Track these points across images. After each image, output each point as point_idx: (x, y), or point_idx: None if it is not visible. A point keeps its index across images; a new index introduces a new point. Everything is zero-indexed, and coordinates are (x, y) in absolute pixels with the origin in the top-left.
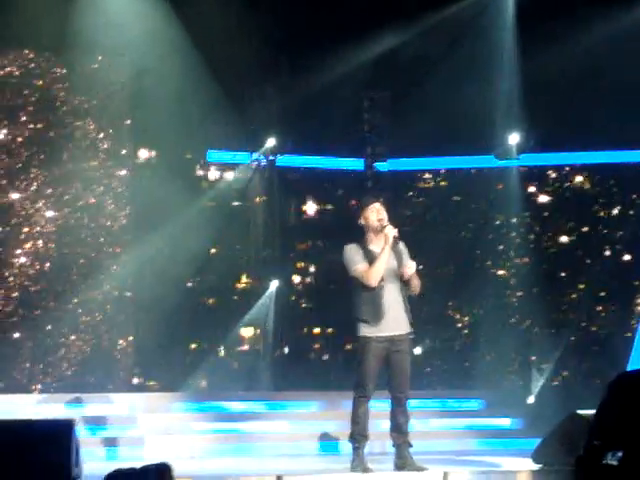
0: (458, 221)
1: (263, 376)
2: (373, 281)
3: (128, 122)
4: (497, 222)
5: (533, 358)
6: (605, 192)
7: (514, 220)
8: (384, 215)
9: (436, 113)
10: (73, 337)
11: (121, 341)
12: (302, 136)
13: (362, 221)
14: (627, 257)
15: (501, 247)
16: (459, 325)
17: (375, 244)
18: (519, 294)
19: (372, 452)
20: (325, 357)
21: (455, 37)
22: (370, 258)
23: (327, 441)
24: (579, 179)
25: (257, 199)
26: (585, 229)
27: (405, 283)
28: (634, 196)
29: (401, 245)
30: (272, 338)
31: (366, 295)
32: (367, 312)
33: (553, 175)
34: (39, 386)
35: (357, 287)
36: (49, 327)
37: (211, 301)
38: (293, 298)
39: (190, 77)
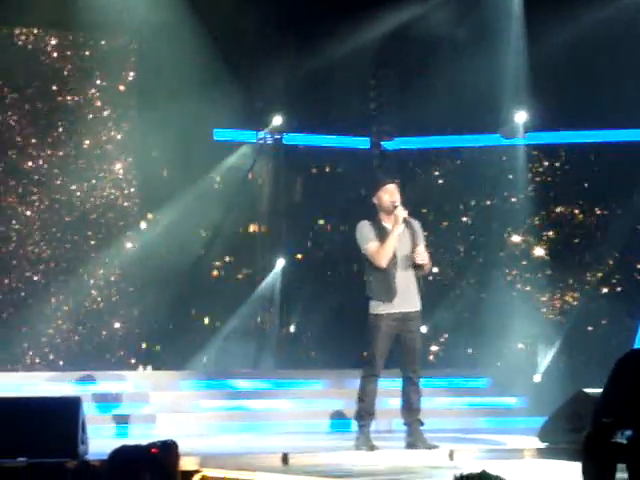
0: (463, 200)
1: (269, 354)
2: (383, 262)
3: (133, 101)
4: (504, 200)
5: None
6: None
7: (521, 198)
8: (397, 197)
9: (443, 91)
10: (82, 312)
11: (128, 316)
12: (308, 114)
13: (375, 200)
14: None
15: (507, 227)
16: (465, 303)
17: (387, 223)
18: (526, 274)
19: (378, 430)
20: (332, 335)
21: (462, 14)
22: (383, 236)
23: (333, 419)
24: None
25: (263, 177)
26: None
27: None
28: None
29: (416, 225)
30: (278, 316)
31: (378, 273)
32: (379, 290)
33: (559, 153)
34: (45, 363)
35: (369, 265)
36: (54, 300)
37: (217, 278)
38: (299, 276)
39: (196, 55)
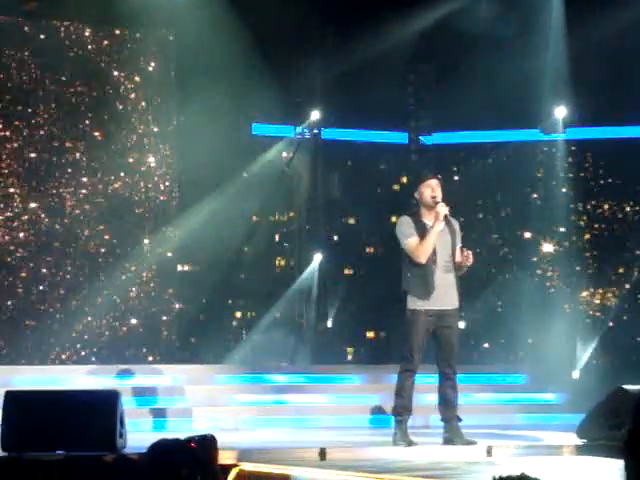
0: (501, 196)
1: (306, 348)
2: (422, 257)
3: (173, 95)
4: (542, 197)
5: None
6: None
7: (560, 195)
8: (439, 192)
9: (482, 86)
10: (122, 306)
11: (167, 310)
12: (347, 109)
13: (417, 195)
14: None
15: (546, 223)
16: (502, 300)
17: (428, 218)
18: (565, 270)
19: (415, 425)
20: (368, 332)
21: (502, 8)
22: (422, 232)
23: (371, 414)
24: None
25: (301, 171)
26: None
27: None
28: None
29: (455, 224)
30: (315, 312)
31: (417, 269)
32: (417, 285)
33: (599, 149)
34: (84, 356)
35: (408, 260)
36: (99, 299)
37: (254, 272)
38: (336, 272)
39: (235, 50)
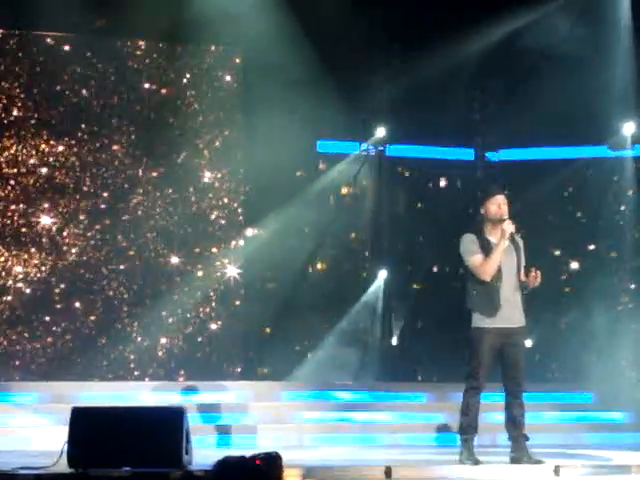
0: (570, 213)
1: (372, 367)
2: (487, 276)
3: (237, 111)
4: (611, 213)
5: None
6: None
7: (629, 211)
8: (505, 208)
9: (549, 102)
10: (181, 324)
11: (229, 327)
12: (412, 125)
13: (482, 211)
14: None
15: (613, 240)
16: (570, 318)
17: (493, 235)
18: (633, 286)
19: (482, 444)
20: (435, 348)
21: (570, 24)
22: (487, 249)
23: (437, 432)
24: None
25: (366, 188)
26: None
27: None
28: None
29: (520, 242)
30: (380, 329)
31: (482, 287)
32: (482, 303)
33: None
34: (149, 372)
35: (472, 278)
36: (161, 313)
37: (319, 288)
38: (401, 289)
39: (301, 66)
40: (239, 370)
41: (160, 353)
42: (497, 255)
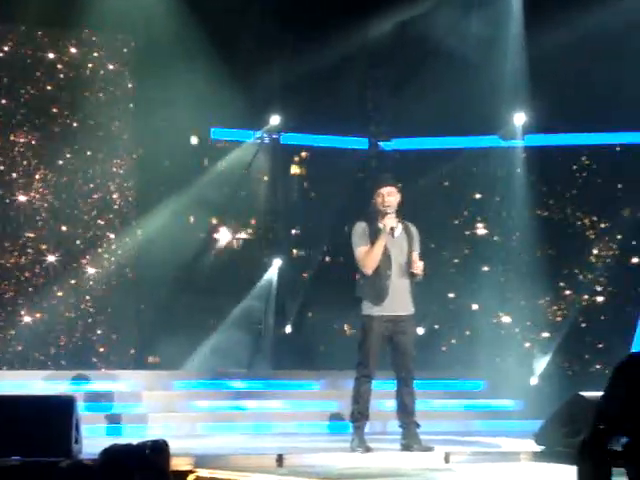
0: (456, 202)
1: (265, 355)
2: (368, 269)
3: (131, 104)
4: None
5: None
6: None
7: (515, 198)
8: (390, 200)
9: (441, 92)
10: (76, 312)
11: (123, 317)
12: (307, 114)
13: (373, 201)
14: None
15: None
16: (461, 307)
17: (382, 224)
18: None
19: (373, 432)
20: (326, 337)
21: (461, 14)
22: (377, 237)
23: (328, 421)
24: (584, 160)
25: (260, 177)
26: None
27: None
28: None
29: (413, 231)
30: (274, 317)
31: (370, 275)
32: (370, 292)
33: (558, 156)
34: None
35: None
36: (54, 302)
37: (214, 278)
38: (295, 277)
39: (194, 54)
40: (130, 357)
41: (51, 341)
42: (378, 249)
